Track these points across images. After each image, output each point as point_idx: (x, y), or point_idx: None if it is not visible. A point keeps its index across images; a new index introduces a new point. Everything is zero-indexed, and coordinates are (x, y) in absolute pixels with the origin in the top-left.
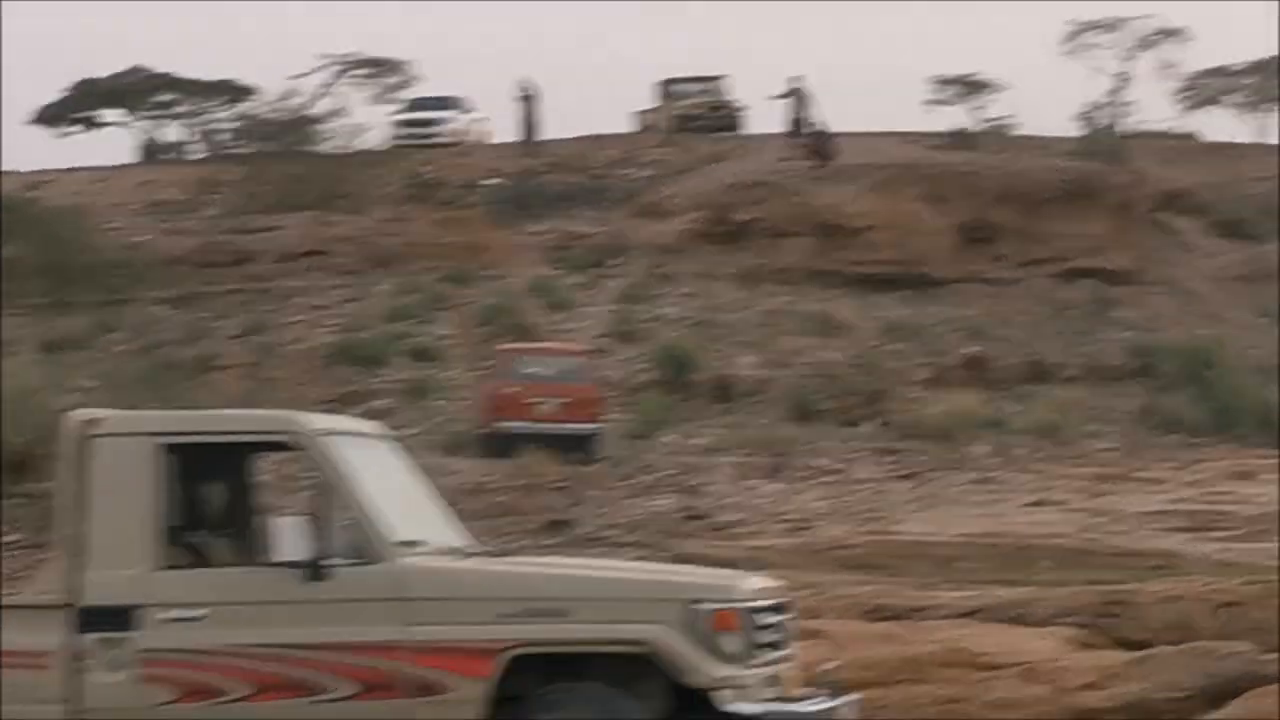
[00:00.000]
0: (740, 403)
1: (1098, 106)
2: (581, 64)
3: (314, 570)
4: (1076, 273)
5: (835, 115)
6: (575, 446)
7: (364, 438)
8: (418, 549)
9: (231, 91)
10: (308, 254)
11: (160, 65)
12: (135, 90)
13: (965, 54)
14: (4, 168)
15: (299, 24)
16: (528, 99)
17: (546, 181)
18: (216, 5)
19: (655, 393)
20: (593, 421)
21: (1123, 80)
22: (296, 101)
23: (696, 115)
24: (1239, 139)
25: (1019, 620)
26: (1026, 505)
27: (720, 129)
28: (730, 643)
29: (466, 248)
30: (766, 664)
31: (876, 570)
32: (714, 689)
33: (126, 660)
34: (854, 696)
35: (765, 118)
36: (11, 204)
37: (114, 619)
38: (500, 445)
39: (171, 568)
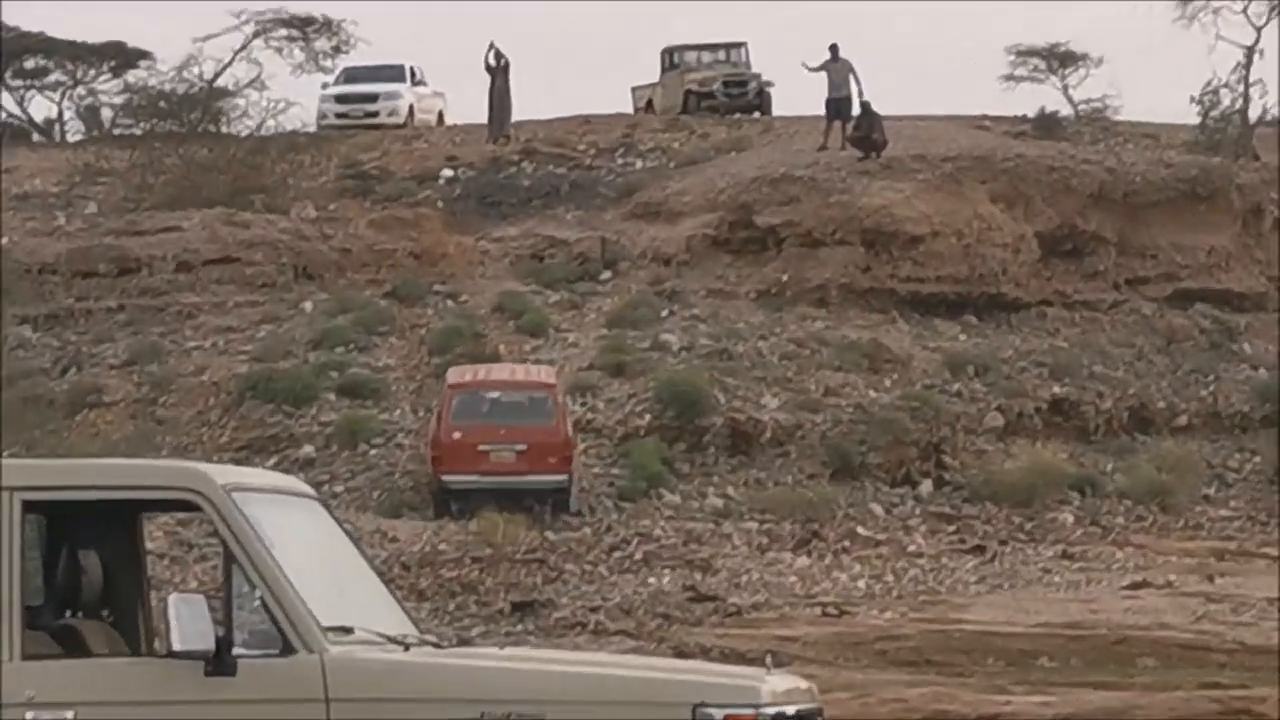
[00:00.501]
0: (762, 455)
1: (1219, 88)
2: (566, 28)
3: (216, 662)
4: (1190, 295)
5: (886, 93)
6: (540, 504)
7: (282, 495)
8: (347, 638)
9: (119, 56)
10: (214, 262)
11: (28, 23)
12: None
13: (1053, 20)
14: None
15: None
16: (497, 70)
17: (519, 174)
18: None
19: (654, 441)
20: (561, 471)
21: (1253, 55)
22: (201, 70)
23: (709, 92)
24: None
25: None
26: (1124, 588)
27: (740, 109)
28: None
29: (416, 256)
30: None
31: (933, 668)
32: None
33: None
34: None
35: (797, 95)
36: None
37: None
38: (445, 505)
39: (33, 657)
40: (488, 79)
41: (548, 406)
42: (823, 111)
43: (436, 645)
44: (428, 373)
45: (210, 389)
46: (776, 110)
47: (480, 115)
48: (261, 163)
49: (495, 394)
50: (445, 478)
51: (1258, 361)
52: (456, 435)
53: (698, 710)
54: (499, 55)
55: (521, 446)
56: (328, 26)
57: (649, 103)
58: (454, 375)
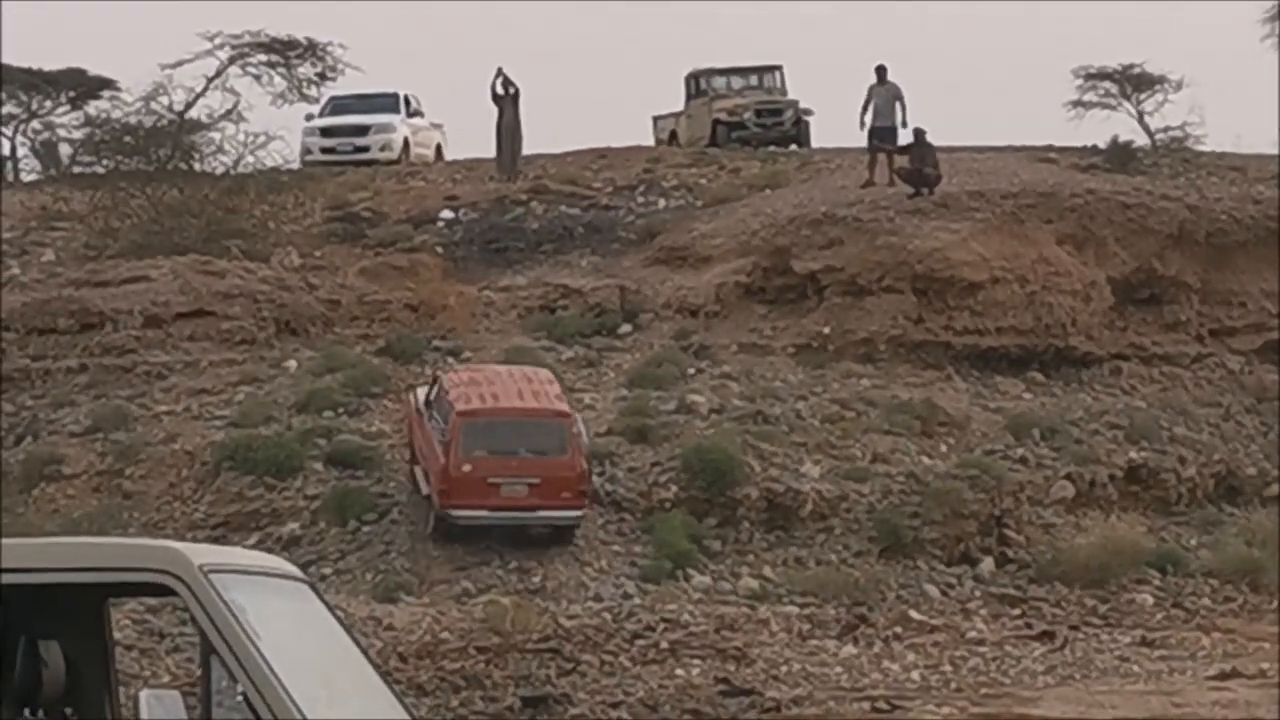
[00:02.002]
0: (802, 530)
1: None
2: (579, 51)
3: None
4: None
5: (940, 121)
6: (551, 540)
7: (266, 578)
8: None
9: (79, 85)
10: (186, 316)
11: None
12: None
13: (1128, 42)
14: None
15: None
16: (506, 99)
17: (527, 215)
18: None
19: (681, 515)
20: (575, 507)
21: None
22: (170, 101)
23: (740, 121)
24: None
25: None
26: (1211, 678)
27: (775, 141)
28: None
29: (413, 308)
30: None
31: None
32: None
33: None
34: None
35: (839, 125)
36: None
37: None
38: (453, 539)
39: None
40: (493, 109)
41: (562, 437)
42: (866, 143)
43: None
44: None
45: (183, 459)
46: (816, 142)
47: (482, 149)
48: (239, 204)
49: (507, 422)
50: (454, 512)
51: None
52: (466, 468)
53: None
54: (508, 83)
55: (534, 480)
56: (312, 51)
57: (673, 134)
58: (459, 398)
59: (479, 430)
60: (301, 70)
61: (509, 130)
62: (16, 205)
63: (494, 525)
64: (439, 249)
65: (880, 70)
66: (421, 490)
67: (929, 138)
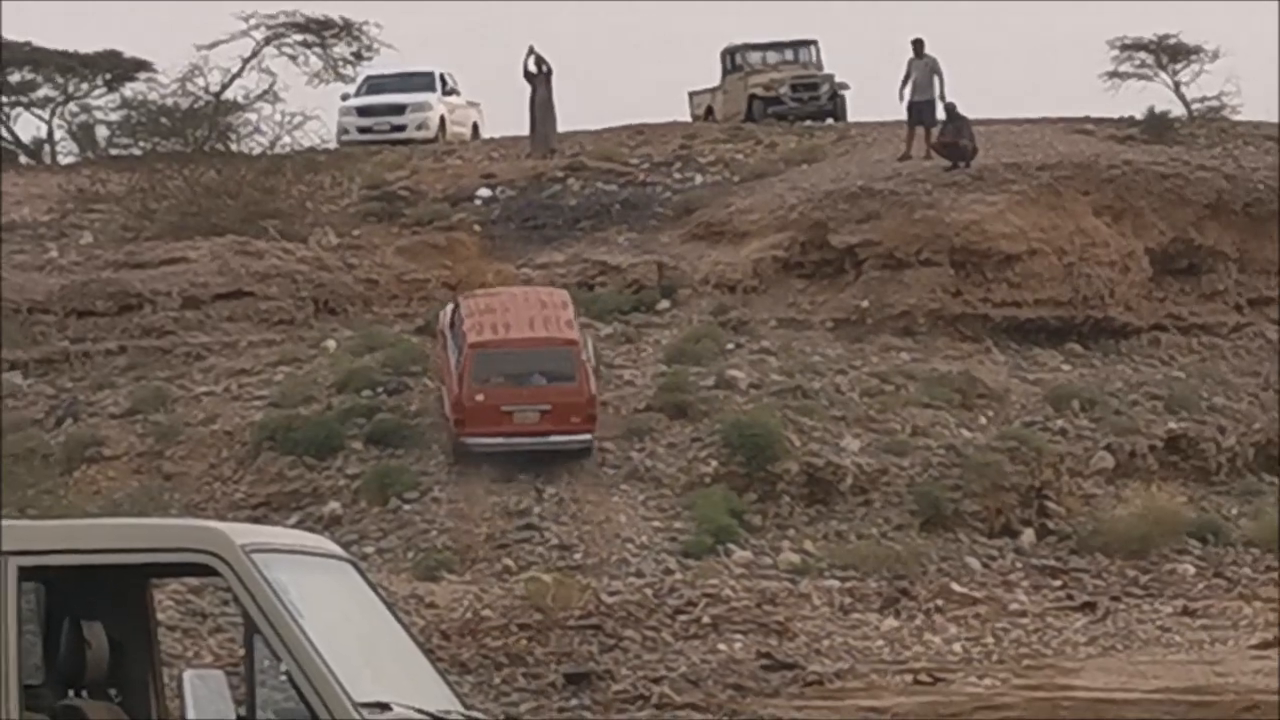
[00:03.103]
0: (843, 504)
1: None
2: (613, 26)
3: None
4: None
5: (975, 94)
6: (565, 461)
7: (309, 557)
8: (384, 715)
9: (115, 67)
10: (224, 297)
11: (13, 31)
12: None
13: (1162, 9)
14: None
15: None
16: (538, 77)
17: (564, 192)
18: None
19: (721, 491)
20: (586, 430)
21: None
22: (206, 82)
23: (776, 96)
24: None
25: None
26: (1253, 647)
27: (811, 115)
28: None
29: (451, 286)
30: None
31: None
32: None
33: None
34: None
35: (875, 98)
36: None
37: None
38: (467, 462)
39: None
40: (527, 87)
41: (570, 363)
42: (904, 116)
43: None
44: None
45: (223, 439)
46: (852, 116)
47: (520, 126)
48: (276, 185)
49: (517, 352)
50: (468, 440)
51: None
52: (479, 398)
53: None
54: (540, 61)
55: (545, 407)
56: (348, 30)
57: (709, 110)
58: (472, 328)
59: (490, 360)
60: (337, 50)
61: (542, 108)
62: (54, 188)
63: (508, 451)
64: (476, 227)
65: (917, 44)
66: (445, 413)
67: (961, 110)
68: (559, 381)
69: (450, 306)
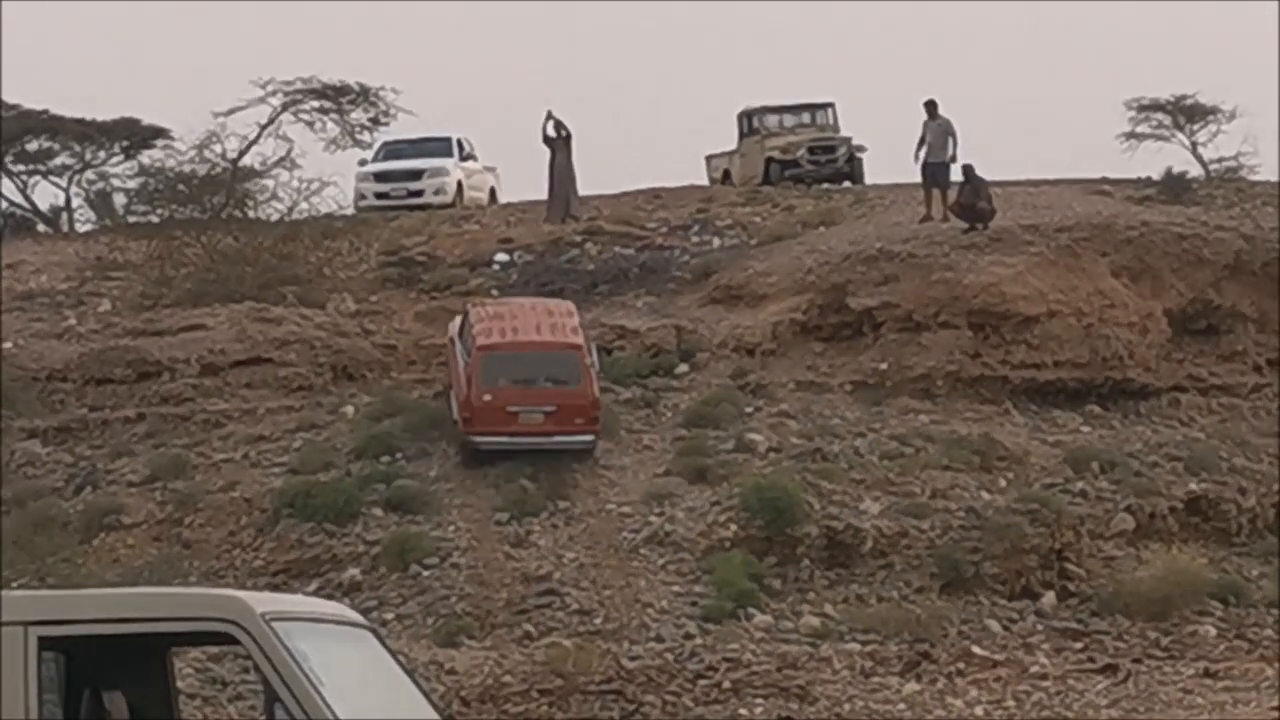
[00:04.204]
0: (863, 567)
1: None
2: (629, 89)
3: None
4: None
5: (992, 155)
6: (568, 462)
7: (329, 625)
8: None
9: (132, 135)
10: (242, 364)
11: (33, 99)
12: None
13: (1181, 71)
14: None
15: (228, 42)
16: (558, 142)
17: (582, 256)
18: (110, 6)
19: (741, 554)
20: (589, 431)
21: None
22: (224, 148)
23: (794, 159)
24: None
25: None
26: (1276, 709)
27: (829, 178)
28: None
29: None
30: None
31: None
32: None
33: None
34: None
35: (893, 160)
36: None
37: None
38: (475, 460)
39: None
40: (545, 151)
41: (575, 367)
42: (920, 179)
43: None
44: (485, 482)
45: (242, 506)
46: (870, 178)
47: (536, 191)
48: (294, 251)
49: (523, 355)
50: (476, 439)
51: None
52: (487, 398)
53: None
54: (560, 126)
55: (550, 408)
56: (364, 96)
57: (725, 173)
58: (481, 332)
59: (498, 362)
60: (354, 116)
61: (561, 173)
62: (72, 256)
63: (514, 450)
64: (494, 292)
65: (930, 105)
66: (454, 416)
67: (978, 171)
68: (564, 385)
69: (460, 317)
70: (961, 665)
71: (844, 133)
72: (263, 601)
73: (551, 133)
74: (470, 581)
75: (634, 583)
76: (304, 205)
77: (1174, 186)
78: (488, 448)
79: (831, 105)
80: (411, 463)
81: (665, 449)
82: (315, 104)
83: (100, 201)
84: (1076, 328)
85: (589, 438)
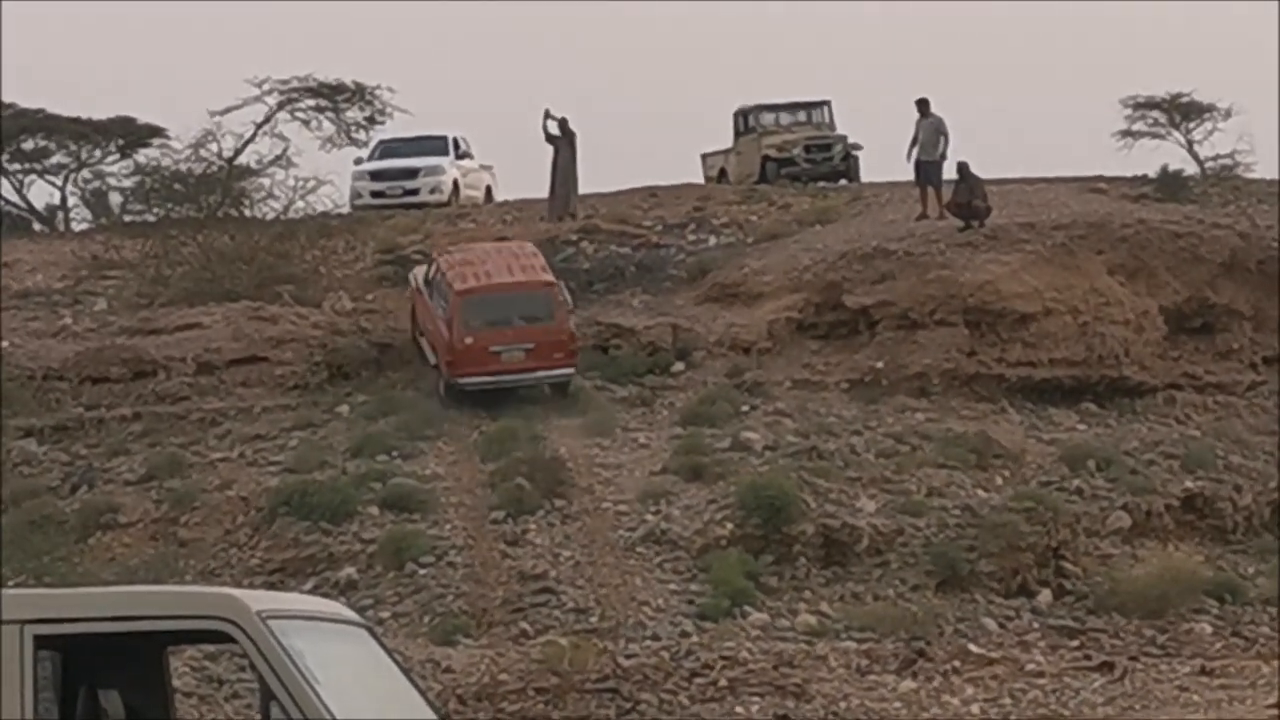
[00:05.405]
0: (859, 565)
1: None
2: (625, 87)
3: None
4: None
5: (988, 153)
6: (549, 397)
7: (325, 623)
8: None
9: (128, 134)
10: (238, 362)
11: (29, 98)
12: None
13: (1177, 68)
14: None
15: (223, 40)
16: (561, 141)
17: (578, 255)
18: (105, 6)
19: (737, 553)
20: (567, 365)
21: None
22: (219, 147)
23: (790, 157)
24: None
25: None
26: (1271, 706)
27: (824, 176)
28: None
29: None
30: None
31: None
32: None
33: None
34: None
35: (889, 158)
36: None
37: None
38: (461, 401)
39: None
40: (540, 150)
41: (550, 304)
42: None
43: None
44: (482, 481)
45: (238, 505)
46: (866, 176)
47: (532, 189)
48: (290, 250)
49: (500, 296)
50: (460, 380)
51: None
52: (468, 340)
53: None
54: (564, 125)
55: (530, 345)
56: (360, 95)
57: (721, 171)
58: (456, 278)
59: (477, 305)
60: (350, 114)
61: (564, 172)
62: (68, 255)
63: (496, 389)
64: None
65: (922, 104)
66: (429, 360)
67: (973, 169)
68: (540, 321)
69: (425, 265)
70: (958, 663)
71: (840, 131)
72: (259, 600)
73: (556, 131)
74: (466, 580)
75: (630, 581)
76: (300, 204)
77: (1170, 184)
78: (473, 388)
79: (827, 103)
80: (407, 462)
81: (661, 447)
82: (311, 103)
83: (96, 200)
84: (1072, 326)
85: (568, 371)
